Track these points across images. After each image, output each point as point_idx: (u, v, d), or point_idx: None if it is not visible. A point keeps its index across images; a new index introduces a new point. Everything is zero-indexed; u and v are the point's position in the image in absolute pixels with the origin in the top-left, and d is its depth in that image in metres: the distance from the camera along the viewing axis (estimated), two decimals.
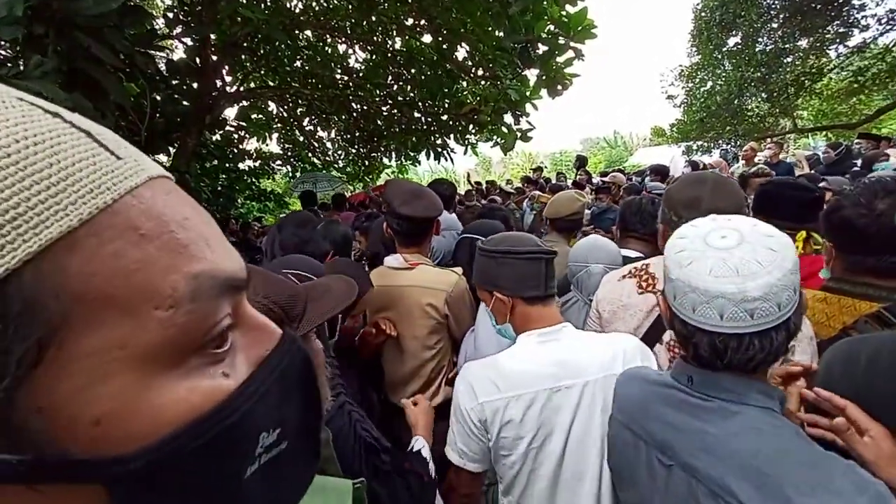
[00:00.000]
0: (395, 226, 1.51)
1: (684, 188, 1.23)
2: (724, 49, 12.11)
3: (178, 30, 4.40)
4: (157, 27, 4.67)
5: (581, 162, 9.27)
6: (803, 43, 10.99)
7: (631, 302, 1.26)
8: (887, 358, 0.73)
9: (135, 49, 3.39)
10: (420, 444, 1.11)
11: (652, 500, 0.76)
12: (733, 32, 11.66)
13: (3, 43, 3.01)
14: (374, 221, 2.26)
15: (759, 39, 11.28)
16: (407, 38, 5.60)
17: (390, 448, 1.04)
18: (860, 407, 0.70)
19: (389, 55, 5.77)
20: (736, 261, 0.63)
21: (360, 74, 6.14)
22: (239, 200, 8.27)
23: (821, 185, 2.76)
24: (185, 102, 4.86)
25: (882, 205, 0.97)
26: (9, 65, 2.65)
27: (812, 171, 5.44)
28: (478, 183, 9.42)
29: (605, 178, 6.87)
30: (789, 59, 11.26)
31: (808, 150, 10.84)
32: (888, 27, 9.98)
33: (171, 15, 4.57)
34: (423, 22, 4.87)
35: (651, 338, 1.17)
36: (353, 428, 0.96)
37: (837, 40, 10.62)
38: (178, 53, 5.88)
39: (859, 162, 4.80)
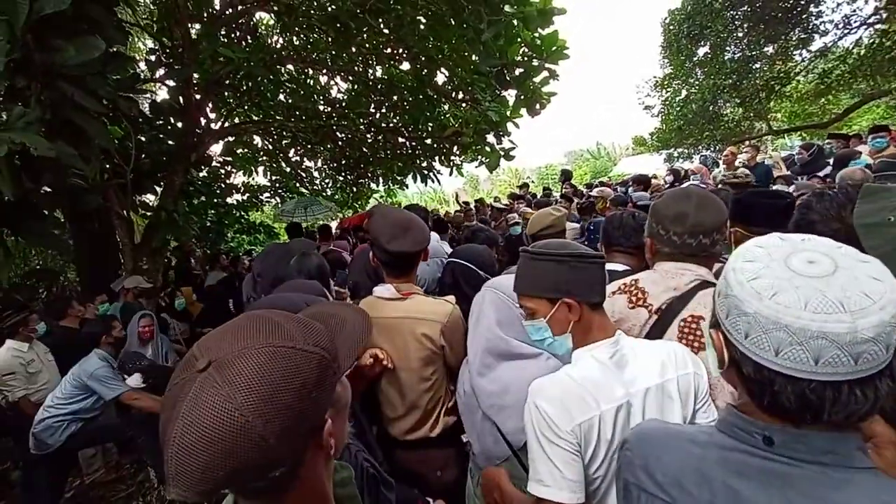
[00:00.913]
0: (384, 259, 1.50)
1: (671, 203, 1.27)
2: (695, 59, 12.54)
3: (161, 72, 4.47)
4: (139, 71, 4.74)
5: (566, 176, 9.42)
6: (769, 49, 11.44)
7: (624, 317, 1.28)
8: None
9: (118, 94, 3.43)
10: None
11: None
12: (701, 43, 12.10)
13: None
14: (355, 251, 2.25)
15: (727, 48, 11.72)
16: (387, 66, 5.74)
17: (392, 483, 1.04)
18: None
19: (370, 84, 5.90)
20: (837, 292, 0.49)
21: (343, 104, 6.25)
22: (229, 234, 8.25)
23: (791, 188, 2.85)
24: (170, 142, 4.90)
25: (851, 216, 1.01)
26: None
27: (789, 172, 5.61)
28: (465, 203, 9.50)
29: (592, 193, 6.98)
30: (758, 66, 11.69)
31: (786, 151, 11.17)
32: (845, 31, 10.45)
33: (153, 58, 4.64)
34: (401, 50, 5.01)
35: None
36: (356, 458, 0.96)
37: (801, 45, 11.08)
38: (162, 94, 5.97)
39: (831, 161, 4.95)
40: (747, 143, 9.72)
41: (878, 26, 10.05)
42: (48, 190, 3.41)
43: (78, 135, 3.14)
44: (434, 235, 1.94)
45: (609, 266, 1.74)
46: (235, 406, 0.44)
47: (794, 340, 0.50)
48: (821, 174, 4.80)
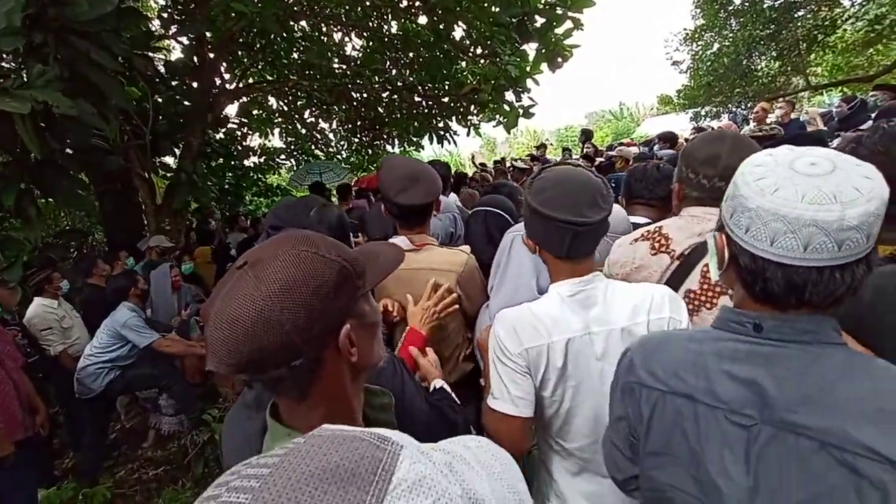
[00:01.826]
0: (395, 212, 1.48)
1: (703, 145, 1.23)
2: (731, 8, 11.63)
3: (174, 29, 4.40)
4: (152, 28, 4.68)
5: (586, 136, 9.10)
6: None
7: (644, 263, 1.27)
8: (893, 291, 0.73)
9: (133, 52, 3.41)
10: (440, 383, 1.17)
11: (718, 470, 0.63)
12: None
13: (4, 55, 3.04)
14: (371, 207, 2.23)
15: None
16: (402, 20, 5.52)
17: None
18: (861, 334, 0.69)
19: (386, 40, 5.70)
20: (832, 187, 0.56)
21: (358, 62, 6.08)
22: (247, 197, 8.35)
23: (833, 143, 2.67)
24: (186, 102, 4.89)
25: None
26: (12, 76, 2.69)
27: (824, 128, 5.26)
28: (482, 164, 9.32)
29: (612, 153, 6.74)
30: (800, 13, 10.79)
31: (824, 108, 10.47)
32: None
33: (165, 15, 4.56)
34: (417, 3, 4.79)
35: None
36: (406, 373, 1.01)
37: None
38: (176, 54, 5.90)
39: (874, 115, 4.62)
40: (781, 99, 9.16)
41: None
42: (72, 151, 3.48)
43: (96, 94, 3.16)
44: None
45: (631, 219, 1.70)
46: (259, 295, 0.51)
47: (788, 229, 0.57)
48: (863, 128, 4.47)
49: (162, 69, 4.76)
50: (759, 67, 11.96)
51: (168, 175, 5.17)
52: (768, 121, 5.62)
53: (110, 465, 3.36)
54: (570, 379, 1.02)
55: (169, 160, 5.41)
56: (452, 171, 5.60)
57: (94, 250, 6.20)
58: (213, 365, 0.52)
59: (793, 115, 5.96)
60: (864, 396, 0.57)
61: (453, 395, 1.13)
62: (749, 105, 11.43)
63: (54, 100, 2.42)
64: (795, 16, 10.74)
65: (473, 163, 10.56)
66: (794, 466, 0.58)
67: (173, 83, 4.83)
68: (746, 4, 11.26)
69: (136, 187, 4.80)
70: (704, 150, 1.21)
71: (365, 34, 5.87)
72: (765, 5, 10.89)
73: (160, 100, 4.64)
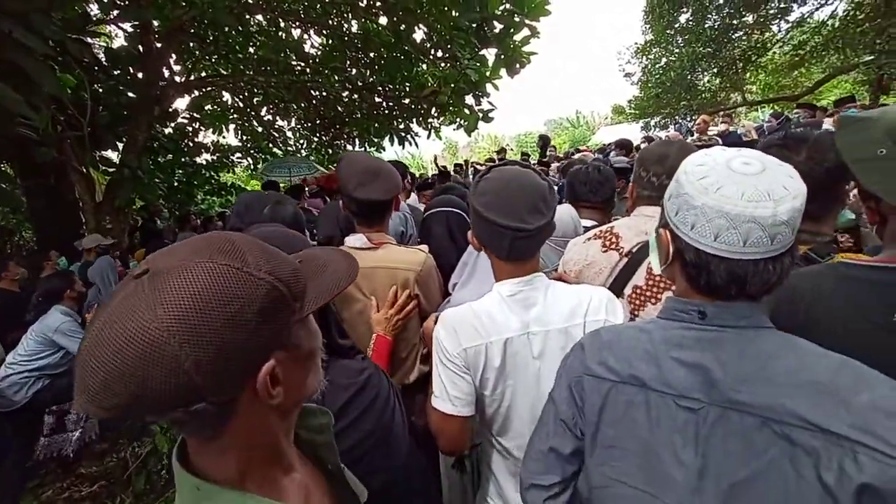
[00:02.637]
0: (353, 208, 1.44)
1: (655, 148, 1.39)
2: (676, 26, 12.47)
3: (115, 14, 4.12)
4: (91, 12, 4.37)
5: (545, 141, 9.39)
6: (749, 18, 11.46)
7: (595, 260, 1.34)
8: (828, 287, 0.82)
9: (66, 35, 3.17)
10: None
11: (669, 456, 0.66)
12: (683, 9, 12.01)
13: None
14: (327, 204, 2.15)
15: (708, 16, 11.68)
16: (363, 20, 5.47)
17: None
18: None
19: (346, 39, 5.62)
20: (765, 186, 0.61)
21: (317, 60, 5.96)
22: (199, 196, 7.95)
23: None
24: (130, 94, 4.59)
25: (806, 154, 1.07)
26: None
27: (759, 139, 5.76)
28: (443, 167, 9.39)
29: (574, 157, 7.00)
30: (737, 35, 11.74)
31: (758, 123, 11.42)
32: (823, 2, 10.54)
33: None
34: (377, 3, 4.77)
35: (614, 292, 1.24)
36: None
37: (779, 15, 11.14)
38: (119, 42, 5.53)
39: (798, 130, 5.11)
40: (721, 113, 9.88)
41: None
42: None
43: (23, 80, 2.91)
44: None
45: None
46: (153, 317, 0.39)
47: (730, 225, 0.62)
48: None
49: (102, 57, 4.45)
50: (701, 83, 12.85)
51: (110, 170, 4.83)
52: (709, 132, 6.05)
53: (35, 486, 3.08)
54: (509, 378, 1.03)
55: (112, 155, 5.05)
56: (417, 177, 5.60)
57: (21, 250, 5.68)
58: (82, 405, 0.40)
59: (731, 129, 6.46)
60: (796, 371, 0.61)
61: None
62: (693, 117, 12.24)
63: None
64: (733, 37, 11.65)
65: (436, 164, 10.61)
66: (739, 443, 0.62)
67: (115, 72, 4.52)
68: (691, 23, 12.09)
69: (72, 182, 4.45)
70: (656, 151, 1.33)
71: (324, 32, 5.77)
72: (706, 24, 11.74)
73: (100, 89, 4.34)
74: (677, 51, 12.75)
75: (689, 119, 12.79)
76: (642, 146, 7.63)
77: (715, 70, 12.27)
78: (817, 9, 10.72)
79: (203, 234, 0.50)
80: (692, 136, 7.69)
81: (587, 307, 1.01)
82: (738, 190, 0.62)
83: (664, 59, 13.28)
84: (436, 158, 11.75)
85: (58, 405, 3.05)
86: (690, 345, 0.68)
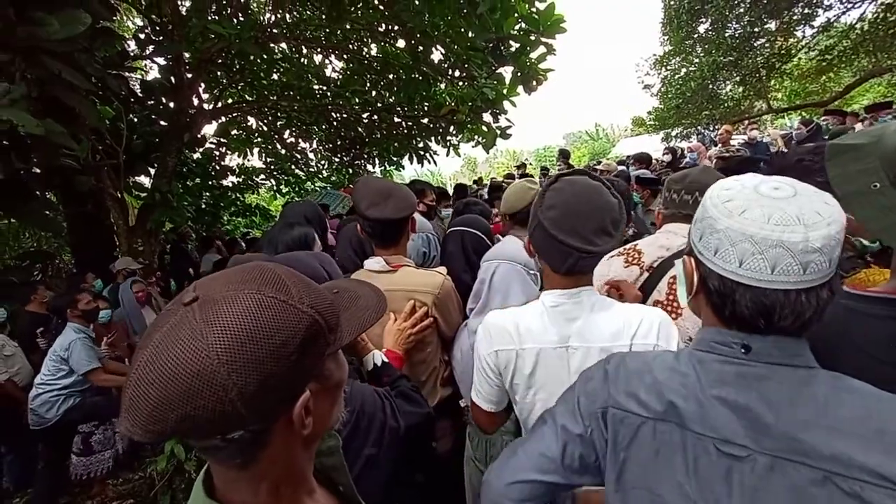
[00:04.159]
0: (368, 229, 1.46)
1: (680, 172, 1.43)
2: (695, 36, 12.32)
3: (150, 49, 4.37)
4: (128, 49, 4.65)
5: (564, 155, 9.34)
6: (771, 25, 11.23)
7: (618, 276, 1.35)
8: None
9: (106, 71, 3.38)
10: (376, 357, 1.17)
11: None
12: (702, 19, 11.87)
13: None
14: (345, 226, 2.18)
15: (728, 24, 11.50)
16: (381, 44, 5.63)
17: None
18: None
19: (365, 62, 5.79)
20: (795, 209, 0.57)
21: (338, 83, 6.15)
22: (224, 217, 8.23)
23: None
24: (162, 122, 4.84)
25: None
26: None
27: (786, 150, 5.57)
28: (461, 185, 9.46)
29: (599, 167, 6.96)
30: (759, 42, 11.51)
31: (785, 130, 11.10)
32: (850, 5, 10.25)
33: (142, 36, 4.54)
34: (395, 27, 4.90)
35: None
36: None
37: (803, 21, 10.87)
38: (153, 74, 5.86)
39: (828, 137, 4.93)
40: (746, 122, 9.65)
41: (882, 0, 9.86)
42: (38, 171, 3.38)
43: (67, 114, 3.10)
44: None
45: None
46: (205, 346, 0.41)
47: (756, 250, 0.57)
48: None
49: (137, 89, 4.72)
50: (723, 92, 12.60)
51: (142, 195, 5.06)
52: (732, 142, 5.91)
53: (68, 502, 3.16)
54: (540, 391, 1.01)
55: (144, 180, 5.31)
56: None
57: (61, 273, 5.96)
58: (128, 429, 0.41)
59: (757, 137, 6.29)
60: (862, 418, 0.54)
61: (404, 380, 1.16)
62: (716, 127, 12.00)
63: (20, 119, 2.36)
64: (755, 45, 11.42)
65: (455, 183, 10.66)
66: (794, 499, 0.54)
67: (149, 103, 4.78)
68: (710, 32, 11.94)
69: (107, 207, 4.68)
70: (679, 172, 1.38)
71: (345, 56, 5.96)
72: (727, 34, 11.56)
73: (135, 119, 4.58)
74: (697, 60, 12.58)
75: (711, 129, 12.54)
76: (663, 157, 7.52)
77: (737, 78, 12.01)
78: (844, 13, 10.41)
79: (249, 264, 0.52)
80: (715, 146, 7.53)
81: (636, 329, 0.95)
82: (765, 213, 0.58)
83: (684, 70, 13.11)
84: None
85: (86, 425, 3.11)
86: (731, 381, 0.61)
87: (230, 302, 0.44)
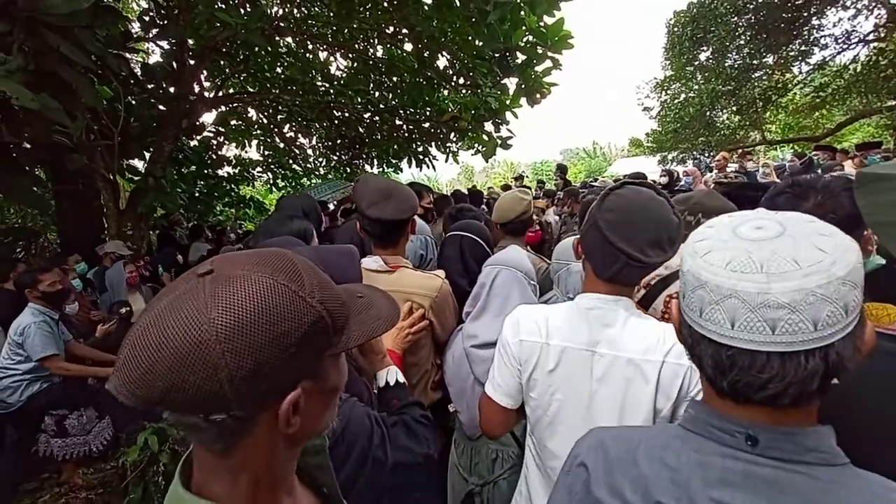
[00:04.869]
0: (367, 227, 1.45)
1: (683, 194, 1.40)
2: (696, 63, 12.63)
3: (154, 32, 4.32)
4: (131, 30, 4.59)
5: (561, 170, 9.43)
6: (769, 59, 11.56)
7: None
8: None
9: (107, 50, 3.32)
10: (392, 374, 1.07)
11: None
12: (703, 47, 12.17)
13: None
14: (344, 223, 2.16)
15: (728, 55, 11.81)
16: (388, 46, 5.65)
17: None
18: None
19: (370, 63, 5.80)
20: (766, 254, 0.47)
21: (342, 81, 6.14)
22: (217, 207, 8.13)
23: None
24: (160, 106, 4.76)
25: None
26: None
27: (778, 181, 5.70)
28: (457, 190, 9.49)
29: (595, 184, 7.03)
30: (757, 74, 11.83)
31: (777, 162, 11.36)
32: (844, 47, 10.59)
33: (146, 18, 4.48)
34: (403, 30, 4.92)
35: None
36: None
37: (800, 57, 11.22)
38: (155, 57, 5.79)
39: (820, 171, 5.05)
40: (740, 150, 9.85)
41: (875, 44, 10.20)
42: (29, 146, 3.30)
43: (64, 89, 3.04)
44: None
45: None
46: (206, 320, 0.40)
47: (711, 299, 0.49)
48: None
49: (138, 71, 4.65)
50: (720, 120, 12.87)
51: (135, 178, 4.96)
52: (728, 169, 6.02)
53: (32, 490, 3.05)
54: (558, 392, 0.99)
55: (138, 164, 5.22)
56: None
57: (45, 252, 5.82)
58: (116, 387, 0.41)
59: (751, 167, 6.42)
60: None
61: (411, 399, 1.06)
62: (711, 154, 12.23)
63: (14, 91, 2.30)
64: (753, 76, 11.72)
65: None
66: None
67: (149, 86, 4.71)
68: (710, 61, 12.22)
69: (98, 189, 4.58)
70: (683, 194, 1.35)
71: (350, 55, 5.96)
72: (726, 63, 11.84)
73: (133, 101, 4.51)
74: (697, 87, 12.86)
75: (706, 155, 12.78)
76: (660, 179, 7.63)
77: (734, 108, 12.31)
78: (839, 52, 10.76)
79: (269, 249, 0.51)
80: (710, 172, 7.66)
81: (671, 347, 0.89)
82: (727, 256, 0.49)
83: (683, 95, 13.39)
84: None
85: (56, 410, 2.98)
86: (738, 483, 0.50)
87: (241, 281, 0.43)
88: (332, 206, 6.41)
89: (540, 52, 3.74)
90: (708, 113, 12.40)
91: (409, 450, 0.91)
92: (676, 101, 13.49)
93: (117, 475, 2.95)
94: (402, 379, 1.09)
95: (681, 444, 0.56)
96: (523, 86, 4.14)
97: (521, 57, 3.92)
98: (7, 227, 5.74)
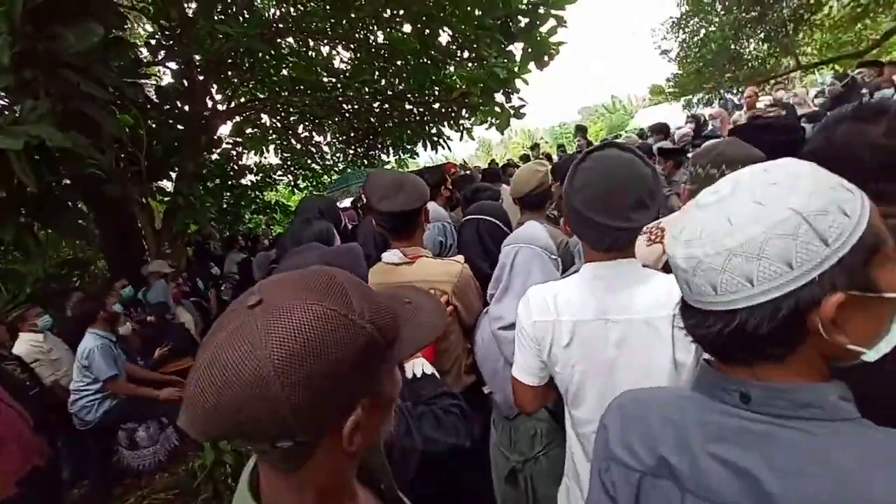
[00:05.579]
0: (381, 222, 1.48)
1: (707, 144, 1.36)
2: None
3: (162, 55, 4.44)
4: (141, 56, 4.73)
5: (581, 131, 9.13)
6: None
7: (640, 255, 1.28)
8: None
9: (122, 80, 3.44)
10: (418, 366, 1.10)
11: None
12: None
13: None
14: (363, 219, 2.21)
15: None
16: (388, 30, 5.55)
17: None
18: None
19: (373, 50, 5.73)
20: (706, 218, 0.51)
21: (347, 74, 6.12)
22: (246, 216, 8.40)
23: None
24: (179, 126, 4.93)
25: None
26: (5, 113, 2.73)
27: (816, 108, 5.26)
28: (467, 169, 9.34)
29: (618, 141, 6.78)
30: None
31: (816, 87, 10.42)
32: None
33: (153, 42, 4.60)
34: (400, 11, 4.82)
35: None
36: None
37: None
38: (167, 79, 5.96)
39: (865, 91, 4.61)
40: (772, 81, 9.15)
41: None
42: (68, 182, 3.51)
43: (89, 125, 3.19)
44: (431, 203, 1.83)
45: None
46: (262, 356, 0.41)
47: (675, 271, 0.55)
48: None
49: (153, 95, 4.81)
50: (747, 51, 11.96)
51: (165, 199, 5.20)
52: (758, 104, 5.62)
53: (121, 493, 3.36)
54: (578, 363, 1.00)
55: (166, 184, 5.45)
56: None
57: (96, 279, 6.23)
58: (185, 424, 0.44)
59: (784, 97, 5.96)
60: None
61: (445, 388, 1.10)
62: (740, 90, 11.43)
63: (47, 134, 2.44)
64: None
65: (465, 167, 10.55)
66: None
67: (165, 108, 4.87)
68: None
69: (134, 214, 4.83)
70: (707, 146, 1.30)
71: (352, 46, 5.90)
72: None
73: (153, 125, 4.68)
74: (717, 20, 11.94)
75: (735, 92, 11.96)
76: (687, 126, 7.23)
77: (762, 35, 11.38)
78: None
79: (317, 268, 0.53)
80: (739, 110, 7.19)
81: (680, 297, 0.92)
82: (678, 229, 0.54)
83: (703, 31, 12.49)
84: (464, 162, 11.68)
85: (127, 423, 3.26)
86: (731, 438, 0.52)
87: (292, 312, 0.44)
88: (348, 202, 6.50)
89: (542, 12, 3.59)
90: (732, 45, 11.54)
91: (435, 440, 0.94)
92: (696, 38, 12.60)
93: (189, 477, 3.21)
94: (429, 370, 1.11)
95: (687, 403, 0.59)
96: (530, 50, 4.00)
97: (523, 21, 3.77)
98: (62, 259, 6.18)
